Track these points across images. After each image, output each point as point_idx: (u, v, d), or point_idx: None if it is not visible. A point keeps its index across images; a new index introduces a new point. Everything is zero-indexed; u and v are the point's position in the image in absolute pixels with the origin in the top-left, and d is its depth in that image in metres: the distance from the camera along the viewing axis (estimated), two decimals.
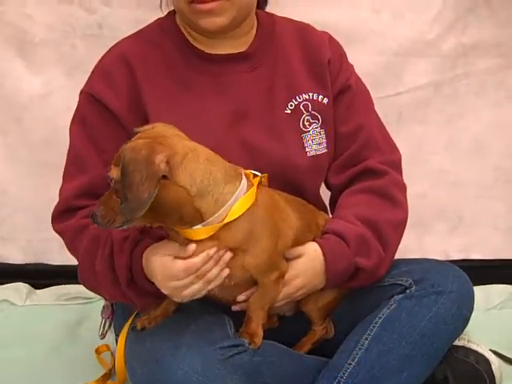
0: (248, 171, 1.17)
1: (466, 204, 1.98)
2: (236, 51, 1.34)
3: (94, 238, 1.24)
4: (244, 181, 1.12)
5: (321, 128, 1.37)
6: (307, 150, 1.35)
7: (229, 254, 1.12)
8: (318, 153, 1.36)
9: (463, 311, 1.31)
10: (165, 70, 1.31)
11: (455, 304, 1.29)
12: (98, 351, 1.56)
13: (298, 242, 1.24)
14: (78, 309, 1.83)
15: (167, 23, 1.36)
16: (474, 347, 1.39)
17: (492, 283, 1.93)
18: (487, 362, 1.38)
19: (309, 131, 1.36)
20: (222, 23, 1.27)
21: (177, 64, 1.32)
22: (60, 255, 1.88)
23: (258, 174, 1.18)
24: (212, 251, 1.10)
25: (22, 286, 1.89)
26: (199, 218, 1.07)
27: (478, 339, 1.44)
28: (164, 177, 1.02)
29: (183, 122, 1.15)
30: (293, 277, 1.23)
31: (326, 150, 1.37)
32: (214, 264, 1.11)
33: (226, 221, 1.09)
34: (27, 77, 1.87)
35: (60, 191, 1.34)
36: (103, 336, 1.46)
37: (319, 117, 1.37)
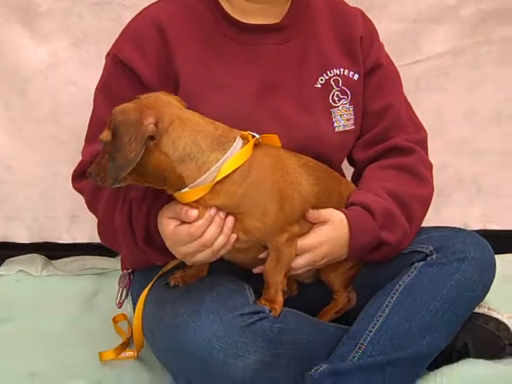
0: (246, 133, 1.16)
1: (485, 174, 1.94)
2: (269, 22, 1.32)
3: (113, 195, 1.24)
4: (236, 143, 1.13)
5: (350, 104, 1.37)
6: (335, 125, 1.35)
7: (231, 220, 1.12)
8: (345, 129, 1.36)
9: (484, 278, 1.30)
10: (198, 35, 1.29)
11: (477, 271, 1.28)
12: (115, 320, 1.56)
13: (316, 208, 1.23)
14: (93, 279, 1.83)
15: None
16: (494, 314, 1.38)
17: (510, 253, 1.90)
18: (507, 329, 1.37)
19: (338, 107, 1.35)
20: None
21: (210, 30, 1.30)
22: (68, 233, 1.87)
23: (256, 135, 1.16)
24: (212, 211, 1.11)
25: (37, 257, 1.88)
26: (182, 182, 1.11)
27: (496, 307, 1.43)
28: (152, 138, 1.07)
29: (213, 88, 1.14)
30: (318, 243, 1.22)
31: (353, 127, 1.37)
32: (218, 229, 1.12)
33: (217, 179, 1.10)
34: (31, 48, 1.76)
35: (82, 153, 1.35)
36: (120, 305, 1.46)
37: (348, 93, 1.36)
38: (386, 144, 1.38)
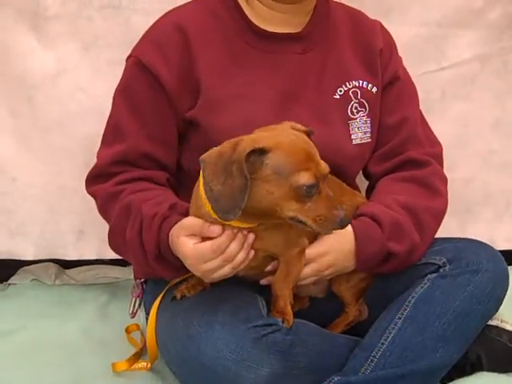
0: None
1: None
2: (291, 31, 1.33)
3: (125, 208, 1.24)
4: None
5: (367, 117, 1.37)
6: (353, 137, 1.36)
7: (252, 236, 1.12)
8: (363, 141, 1.37)
9: (497, 291, 1.30)
10: (220, 42, 1.30)
11: (490, 283, 1.27)
12: (127, 330, 1.56)
13: None
14: (106, 288, 1.84)
15: None
16: (508, 327, 1.38)
17: None
18: None
19: (356, 119, 1.36)
20: None
21: (232, 36, 1.31)
22: (75, 250, 1.78)
23: None
24: (236, 229, 1.10)
25: (51, 266, 1.88)
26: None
27: (510, 320, 1.42)
28: None
29: (234, 97, 1.14)
30: (321, 253, 1.22)
31: (369, 140, 1.38)
32: (240, 245, 1.11)
33: None
34: (39, 53, 1.67)
35: (98, 155, 1.35)
36: (134, 315, 1.47)
37: (367, 105, 1.37)
38: (401, 157, 1.39)
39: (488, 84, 1.78)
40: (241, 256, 1.12)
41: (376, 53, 1.38)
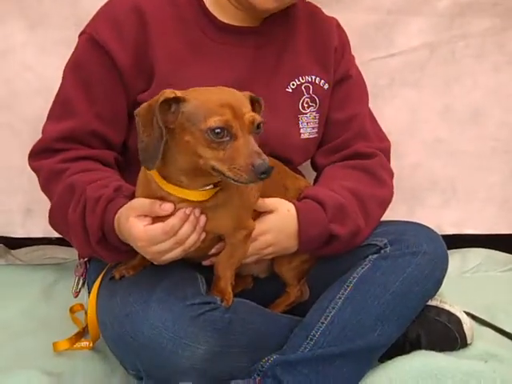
0: None
1: (461, 175, 1.87)
2: (248, 25, 1.33)
3: (68, 187, 1.22)
4: None
5: (316, 112, 1.39)
6: (302, 131, 1.38)
7: (203, 219, 1.11)
8: (310, 136, 1.39)
9: (436, 273, 1.32)
10: (177, 29, 1.29)
11: (429, 265, 1.30)
12: (72, 310, 1.56)
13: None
14: (53, 269, 1.82)
15: None
16: (447, 307, 1.40)
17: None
18: (459, 321, 1.39)
19: (306, 113, 1.38)
20: (274, 7, 1.27)
21: (190, 25, 1.30)
22: (22, 228, 1.78)
23: None
24: (188, 209, 1.09)
25: None
26: None
27: (452, 302, 1.45)
28: None
29: (186, 83, 1.13)
30: (262, 232, 1.23)
31: (316, 135, 1.40)
32: (192, 227, 1.10)
33: (220, 186, 1.10)
34: None
35: (43, 129, 1.32)
36: (77, 294, 1.44)
37: (317, 100, 1.39)
38: (349, 150, 1.41)
39: (436, 71, 1.79)
40: (192, 238, 1.11)
41: (331, 50, 1.40)
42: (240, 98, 1.06)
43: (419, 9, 1.74)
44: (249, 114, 1.03)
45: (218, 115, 1.01)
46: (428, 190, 1.87)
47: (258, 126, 1.04)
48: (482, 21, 1.76)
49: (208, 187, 1.09)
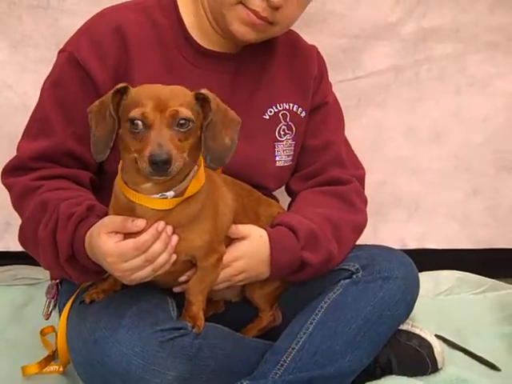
0: None
1: (423, 192, 1.95)
2: (229, 51, 1.34)
3: (41, 204, 1.21)
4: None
5: (292, 140, 1.40)
6: (277, 159, 1.38)
7: (175, 238, 1.10)
8: (285, 164, 1.40)
9: (408, 297, 1.33)
10: (157, 50, 1.29)
11: (400, 290, 1.30)
12: (42, 333, 1.53)
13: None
14: (25, 290, 1.79)
15: (166, 1, 1.32)
16: (418, 331, 1.41)
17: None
18: (430, 346, 1.40)
19: (283, 141, 1.38)
20: (254, 39, 1.28)
21: (169, 48, 1.30)
22: (1, 241, 1.79)
23: None
24: (161, 226, 1.08)
25: None
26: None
27: (425, 325, 1.46)
28: None
29: None
30: (234, 258, 1.23)
31: (291, 163, 1.41)
32: (164, 245, 1.09)
33: (185, 196, 1.09)
34: None
35: (18, 146, 1.31)
36: (48, 316, 1.43)
37: (294, 128, 1.40)
38: (324, 176, 1.42)
39: (401, 93, 1.87)
40: (163, 257, 1.10)
41: (310, 78, 1.41)
42: (175, 93, 1.05)
43: (385, 34, 1.83)
44: (172, 108, 1.03)
45: (139, 106, 1.03)
46: (392, 205, 1.96)
47: (184, 121, 1.03)
48: (445, 46, 1.86)
49: (168, 194, 1.08)
